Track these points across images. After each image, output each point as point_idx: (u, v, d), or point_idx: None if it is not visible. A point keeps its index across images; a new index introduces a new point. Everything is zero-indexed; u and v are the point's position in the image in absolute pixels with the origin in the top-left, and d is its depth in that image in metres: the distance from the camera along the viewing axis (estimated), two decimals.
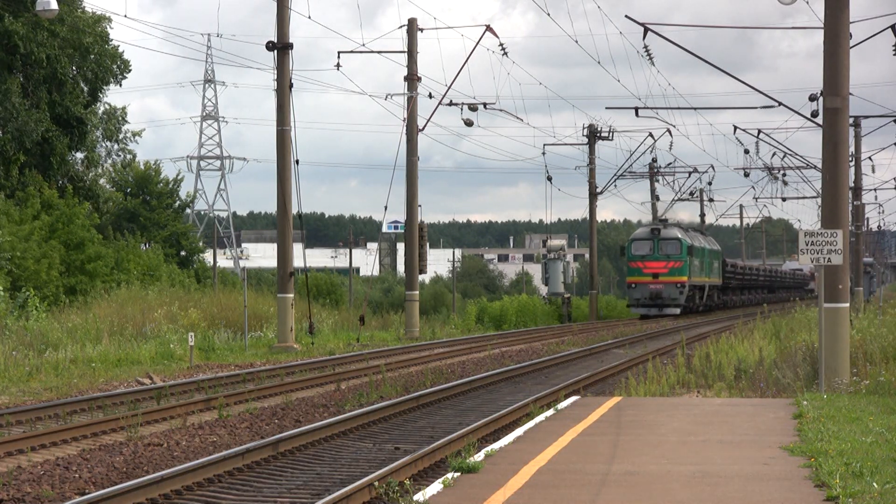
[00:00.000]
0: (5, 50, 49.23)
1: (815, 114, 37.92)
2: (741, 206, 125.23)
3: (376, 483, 13.89)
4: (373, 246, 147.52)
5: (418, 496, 12.12)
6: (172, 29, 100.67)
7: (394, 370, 31.83)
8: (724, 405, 20.93)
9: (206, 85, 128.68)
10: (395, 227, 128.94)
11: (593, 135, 73.07)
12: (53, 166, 52.39)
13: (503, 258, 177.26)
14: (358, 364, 33.62)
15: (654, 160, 78.74)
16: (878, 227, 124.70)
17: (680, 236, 72.70)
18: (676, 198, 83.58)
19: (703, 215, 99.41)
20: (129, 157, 64.97)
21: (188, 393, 25.49)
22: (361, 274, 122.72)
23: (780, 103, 30.37)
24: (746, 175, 75.43)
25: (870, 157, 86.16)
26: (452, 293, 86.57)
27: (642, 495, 12.05)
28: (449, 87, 50.60)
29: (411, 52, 50.29)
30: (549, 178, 69.41)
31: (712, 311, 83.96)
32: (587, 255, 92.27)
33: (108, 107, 58.76)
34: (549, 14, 43.67)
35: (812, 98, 41.51)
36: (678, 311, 71.79)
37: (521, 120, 61.08)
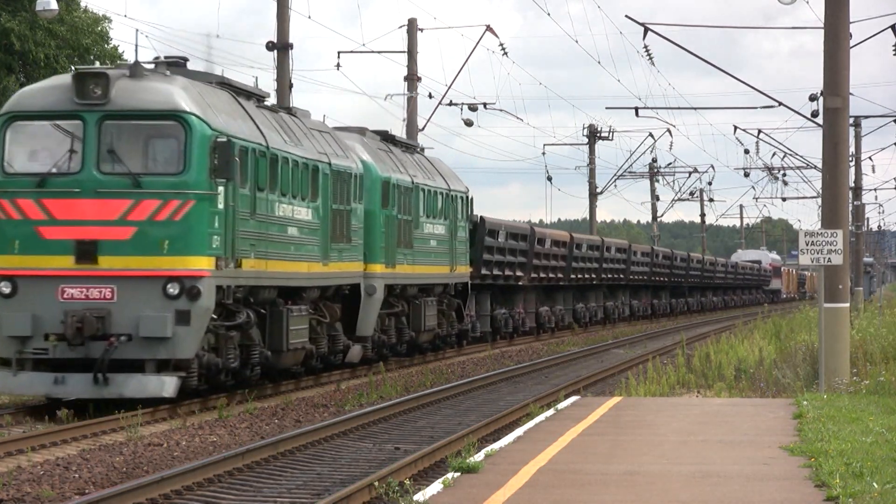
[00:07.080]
0: (4, 50, 49.23)
1: (815, 114, 37.90)
2: (741, 206, 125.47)
3: (376, 483, 13.89)
4: None
5: (418, 496, 12.11)
6: (171, 29, 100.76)
7: (394, 370, 31.82)
8: (724, 405, 20.93)
9: None
10: None
11: (593, 135, 73.16)
12: None
13: None
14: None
15: (654, 160, 78.76)
16: (879, 227, 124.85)
17: (187, 110, 20.32)
18: (676, 198, 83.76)
19: (703, 215, 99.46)
20: None
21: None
22: None
23: (781, 103, 30.39)
24: (746, 175, 75.53)
25: (870, 157, 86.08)
26: None
27: (642, 495, 12.05)
28: (449, 87, 50.58)
29: (411, 52, 50.25)
30: (550, 178, 69.41)
31: (432, 352, 35.10)
32: None
33: None
34: (549, 14, 43.76)
35: (812, 98, 41.49)
36: (170, 388, 20.11)
37: (522, 120, 61.10)
